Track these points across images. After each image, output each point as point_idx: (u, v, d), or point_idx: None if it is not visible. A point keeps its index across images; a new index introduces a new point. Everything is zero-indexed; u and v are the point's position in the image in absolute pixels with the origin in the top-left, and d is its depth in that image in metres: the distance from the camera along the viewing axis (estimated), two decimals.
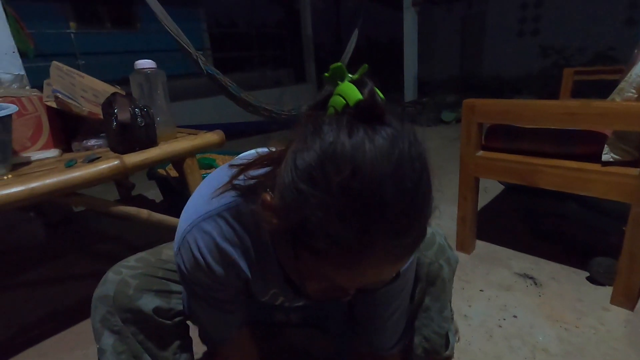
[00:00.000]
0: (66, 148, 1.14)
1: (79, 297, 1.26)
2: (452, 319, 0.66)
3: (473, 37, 5.09)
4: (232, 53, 5.99)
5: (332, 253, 0.33)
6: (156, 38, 4.11)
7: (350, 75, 0.36)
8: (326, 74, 0.37)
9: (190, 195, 0.60)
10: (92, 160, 0.94)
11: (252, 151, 0.52)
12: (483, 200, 1.78)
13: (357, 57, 3.69)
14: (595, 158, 1.00)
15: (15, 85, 1.15)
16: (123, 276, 0.54)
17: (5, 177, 0.86)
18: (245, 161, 0.44)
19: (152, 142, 1.02)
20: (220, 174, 0.49)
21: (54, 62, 1.11)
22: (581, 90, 1.95)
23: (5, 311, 1.21)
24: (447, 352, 0.65)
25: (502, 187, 1.89)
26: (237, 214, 0.46)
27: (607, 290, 1.06)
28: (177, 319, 0.59)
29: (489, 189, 1.88)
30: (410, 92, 4.34)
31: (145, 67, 1.06)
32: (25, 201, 0.80)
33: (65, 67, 1.13)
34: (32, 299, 1.27)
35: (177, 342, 0.60)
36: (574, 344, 0.91)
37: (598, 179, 0.99)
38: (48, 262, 1.49)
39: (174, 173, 1.41)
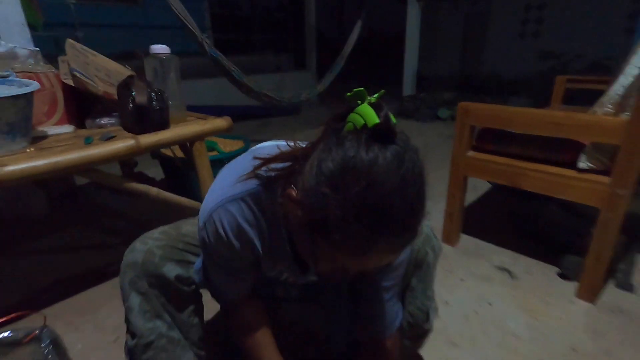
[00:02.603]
0: (78, 124, 1.18)
1: (83, 267, 1.32)
2: (434, 298, 0.75)
3: (475, 36, 5.10)
4: (234, 35, 5.92)
5: (345, 244, 0.41)
6: (158, 14, 4.04)
7: (369, 97, 0.44)
8: (348, 94, 0.44)
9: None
10: (108, 138, 1.00)
11: (272, 143, 0.59)
12: (471, 197, 1.88)
13: (359, 49, 3.72)
14: (574, 165, 1.09)
15: (31, 60, 1.18)
16: (150, 246, 0.62)
17: (28, 150, 0.91)
18: (267, 155, 0.53)
19: (165, 124, 1.07)
20: (244, 163, 0.57)
21: (69, 40, 1.13)
22: (574, 97, 2.01)
23: (11, 278, 1.26)
24: (428, 325, 0.74)
25: (490, 185, 1.98)
26: (257, 200, 0.54)
27: (574, 285, 1.17)
28: (193, 287, 0.67)
29: (478, 187, 1.98)
30: (408, 87, 4.38)
31: (160, 52, 1.11)
32: (49, 174, 0.85)
33: (79, 45, 1.16)
34: (36, 267, 1.33)
35: (192, 307, 0.68)
36: (540, 331, 1.02)
37: (574, 184, 1.08)
38: (51, 234, 1.54)
39: (179, 153, 1.46)
